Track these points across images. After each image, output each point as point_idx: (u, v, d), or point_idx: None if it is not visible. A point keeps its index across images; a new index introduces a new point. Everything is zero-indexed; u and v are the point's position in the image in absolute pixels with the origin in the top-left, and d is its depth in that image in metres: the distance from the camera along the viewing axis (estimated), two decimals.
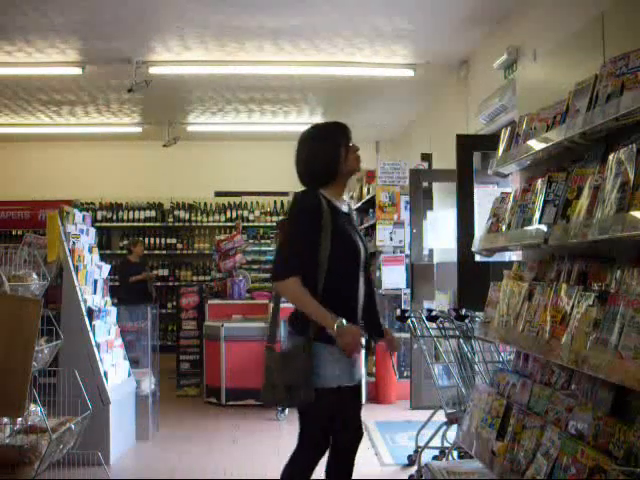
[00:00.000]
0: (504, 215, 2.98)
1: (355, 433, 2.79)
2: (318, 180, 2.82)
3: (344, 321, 2.54)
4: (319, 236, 2.63)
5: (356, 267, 2.69)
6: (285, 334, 2.82)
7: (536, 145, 2.70)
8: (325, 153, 2.82)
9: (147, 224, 10.59)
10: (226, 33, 6.12)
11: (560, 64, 3.54)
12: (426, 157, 7.56)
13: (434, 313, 4.02)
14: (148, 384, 5.26)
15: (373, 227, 7.27)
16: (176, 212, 10.67)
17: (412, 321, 4.19)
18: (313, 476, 2.71)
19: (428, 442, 4.11)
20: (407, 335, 6.18)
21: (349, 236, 2.70)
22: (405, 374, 6.52)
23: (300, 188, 2.94)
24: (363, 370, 6.20)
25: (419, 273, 6.30)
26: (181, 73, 7.23)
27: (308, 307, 2.58)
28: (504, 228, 2.91)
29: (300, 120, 9.61)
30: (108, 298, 5.08)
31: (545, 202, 2.51)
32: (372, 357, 6.66)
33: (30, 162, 10.52)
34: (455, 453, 3.92)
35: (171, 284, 10.36)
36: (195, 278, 10.31)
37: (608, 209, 2.01)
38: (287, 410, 5.86)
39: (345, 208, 2.81)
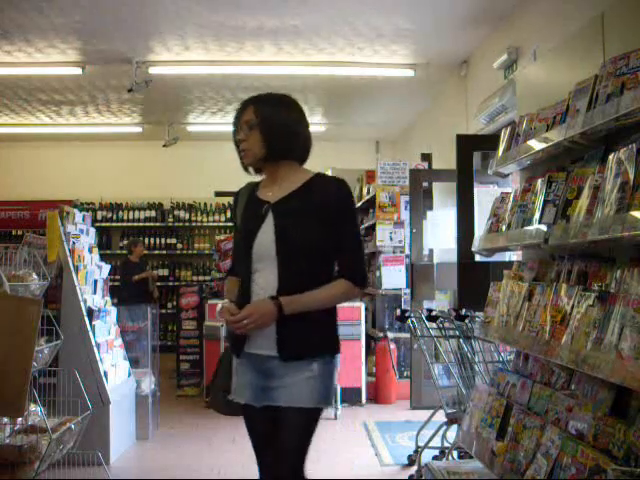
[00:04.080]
0: (504, 215, 2.98)
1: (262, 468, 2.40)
2: (285, 156, 2.40)
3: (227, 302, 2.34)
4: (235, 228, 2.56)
5: (247, 259, 2.32)
6: None
7: (536, 145, 2.70)
8: (306, 126, 2.44)
9: (147, 224, 10.59)
10: (226, 33, 6.13)
11: (560, 64, 3.54)
12: (426, 157, 7.56)
13: (434, 313, 4.01)
14: (148, 384, 5.25)
15: (373, 227, 7.27)
16: (176, 212, 10.68)
17: (412, 321, 4.19)
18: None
19: (428, 442, 4.11)
20: (407, 335, 6.18)
21: (242, 226, 2.41)
22: (405, 374, 6.52)
23: None
24: (363, 370, 6.28)
25: (419, 273, 6.30)
26: (181, 73, 7.23)
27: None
28: (504, 228, 2.91)
29: None
30: (108, 298, 5.08)
31: (545, 202, 2.51)
32: (372, 357, 6.66)
33: (30, 162, 10.52)
34: (455, 453, 3.92)
35: (171, 284, 10.36)
36: (195, 278, 10.32)
37: (608, 209, 2.01)
38: None
39: (275, 195, 2.37)
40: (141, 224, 10.58)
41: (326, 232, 2.28)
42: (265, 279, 2.29)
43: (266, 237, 2.30)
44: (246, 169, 2.49)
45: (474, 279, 4.26)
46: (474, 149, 4.81)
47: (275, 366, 2.27)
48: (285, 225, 2.30)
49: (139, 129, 9.74)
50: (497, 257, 3.60)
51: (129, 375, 5.06)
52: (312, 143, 2.46)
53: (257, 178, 2.55)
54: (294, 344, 2.28)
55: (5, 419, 3.34)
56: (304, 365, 2.26)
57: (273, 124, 2.38)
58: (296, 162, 2.42)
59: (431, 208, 6.90)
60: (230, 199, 10.74)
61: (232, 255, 2.72)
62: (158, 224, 10.63)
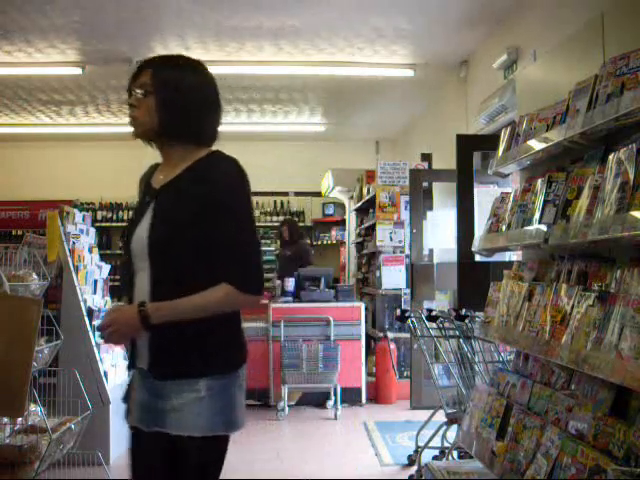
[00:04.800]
0: (504, 215, 2.98)
1: None
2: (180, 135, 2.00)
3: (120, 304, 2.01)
4: None
5: (127, 257, 2.00)
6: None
7: (536, 145, 2.70)
8: (215, 103, 2.05)
9: None
10: (226, 33, 6.12)
11: (560, 64, 3.54)
12: (426, 157, 7.56)
13: (434, 313, 4.01)
14: None
15: (373, 227, 7.27)
16: None
17: (412, 321, 4.19)
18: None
19: (428, 442, 4.11)
20: (407, 335, 6.18)
21: (132, 217, 2.06)
22: (405, 374, 6.52)
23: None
24: (363, 370, 6.28)
25: (419, 273, 6.30)
26: None
27: None
28: (504, 228, 2.91)
29: (300, 120, 9.62)
30: (108, 298, 5.08)
31: (545, 202, 2.51)
32: (372, 357, 6.67)
33: (30, 162, 10.52)
34: (455, 453, 3.92)
35: None
36: None
37: (608, 209, 2.01)
38: (287, 410, 5.86)
39: (164, 180, 2.01)
40: None
41: (208, 226, 1.88)
42: (141, 282, 1.93)
43: (141, 231, 1.93)
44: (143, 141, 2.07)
45: (474, 279, 4.26)
46: (474, 149, 4.81)
47: (158, 385, 1.90)
48: (161, 217, 1.92)
49: None
50: (497, 257, 3.60)
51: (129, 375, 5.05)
52: (219, 124, 2.05)
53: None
54: (167, 360, 1.90)
55: (5, 419, 3.33)
56: (190, 384, 1.87)
57: (172, 96, 1.94)
58: (195, 144, 2.00)
59: (431, 208, 6.90)
60: None
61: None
62: None
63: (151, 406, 1.91)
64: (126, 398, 2.06)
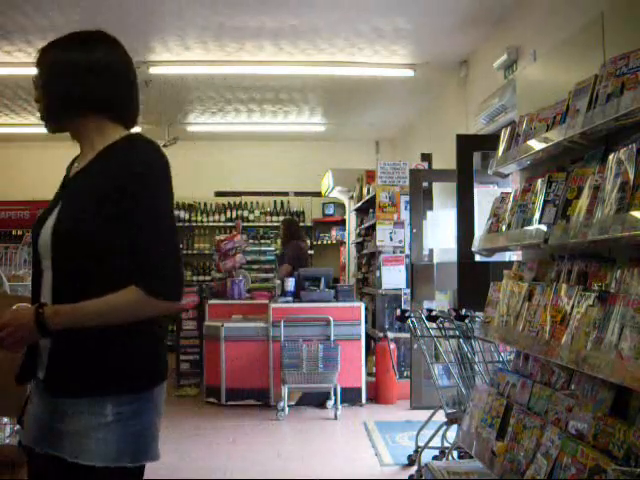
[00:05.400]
0: (504, 215, 2.98)
1: None
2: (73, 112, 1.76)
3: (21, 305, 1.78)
4: None
5: (35, 255, 1.76)
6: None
7: (536, 145, 2.71)
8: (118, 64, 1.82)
9: None
10: (226, 33, 6.13)
11: (560, 64, 3.54)
12: (426, 157, 7.56)
13: (434, 313, 4.01)
14: None
15: (373, 227, 7.27)
16: (176, 212, 10.63)
17: (412, 321, 4.19)
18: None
19: (428, 442, 4.11)
20: (407, 335, 6.18)
21: (42, 213, 1.81)
22: (405, 374, 6.52)
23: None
24: (363, 370, 6.28)
25: (419, 273, 6.30)
26: (181, 73, 7.23)
27: None
28: (504, 228, 2.91)
29: (300, 120, 9.63)
30: None
31: (545, 202, 2.51)
32: (372, 357, 6.67)
33: (30, 162, 10.52)
34: (455, 453, 3.92)
35: None
36: (195, 278, 10.31)
37: (608, 209, 2.01)
38: (287, 410, 5.86)
39: (79, 166, 1.80)
40: None
41: (116, 218, 1.63)
42: (46, 282, 1.70)
43: (48, 226, 1.70)
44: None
45: (474, 279, 4.26)
46: (474, 149, 4.81)
47: (58, 401, 1.64)
48: (65, 210, 1.69)
49: (138, 129, 9.70)
50: (497, 257, 3.60)
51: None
52: (136, 91, 1.83)
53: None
54: (67, 373, 1.64)
55: (5, 419, 3.33)
56: (94, 405, 1.61)
57: (51, 66, 1.72)
58: (103, 118, 1.75)
59: (431, 208, 6.90)
60: (230, 199, 10.78)
61: None
62: None
63: (49, 424, 1.65)
64: (22, 414, 1.80)
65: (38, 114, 1.76)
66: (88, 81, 1.70)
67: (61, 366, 1.65)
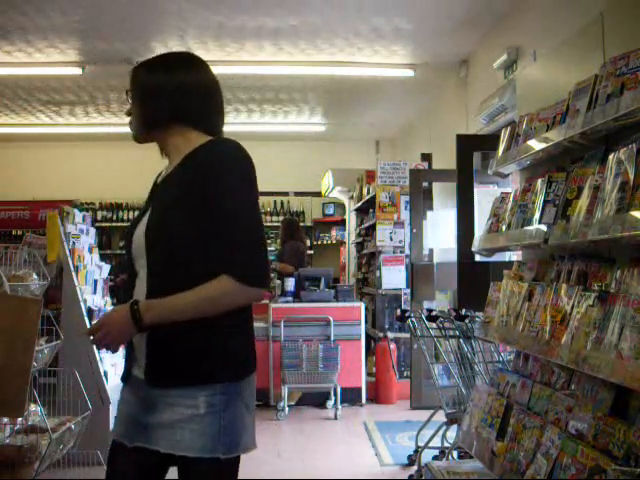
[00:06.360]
0: (504, 215, 2.98)
1: None
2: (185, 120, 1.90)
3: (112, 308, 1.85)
4: None
5: (129, 258, 1.87)
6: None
7: (536, 145, 2.70)
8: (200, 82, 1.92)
9: None
10: (226, 33, 6.13)
11: (560, 64, 3.54)
12: (426, 157, 7.56)
13: (434, 313, 4.01)
14: None
15: (373, 227, 7.27)
16: None
17: (412, 321, 4.19)
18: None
19: (428, 442, 4.11)
20: (407, 335, 6.19)
21: (135, 218, 1.93)
22: (405, 374, 6.52)
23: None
24: (363, 370, 6.28)
25: (419, 273, 6.30)
26: None
27: None
28: (504, 228, 2.91)
29: (300, 120, 9.63)
30: (108, 298, 5.08)
31: (545, 202, 2.51)
32: (372, 357, 6.67)
33: (30, 162, 10.52)
34: (455, 453, 3.92)
35: None
36: None
37: (608, 209, 2.01)
38: (287, 410, 5.86)
39: (167, 172, 1.94)
40: None
41: (204, 212, 1.73)
42: (140, 282, 1.79)
43: (140, 229, 1.80)
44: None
45: (474, 279, 4.26)
46: (474, 149, 4.81)
47: (151, 395, 1.74)
48: (156, 212, 1.80)
49: None
50: (497, 257, 3.60)
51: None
52: (217, 112, 1.95)
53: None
54: (165, 364, 1.73)
55: (5, 419, 3.33)
56: (186, 397, 1.70)
57: (145, 86, 1.89)
58: (189, 127, 1.87)
59: (431, 208, 6.90)
60: None
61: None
62: None
63: (141, 419, 1.74)
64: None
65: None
66: (178, 100, 1.84)
67: (160, 357, 1.73)
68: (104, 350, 1.78)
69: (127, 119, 1.96)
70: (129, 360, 1.85)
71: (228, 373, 1.74)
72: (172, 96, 1.84)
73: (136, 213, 10.41)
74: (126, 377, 1.85)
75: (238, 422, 1.74)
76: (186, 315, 1.69)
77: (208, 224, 1.72)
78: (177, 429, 1.68)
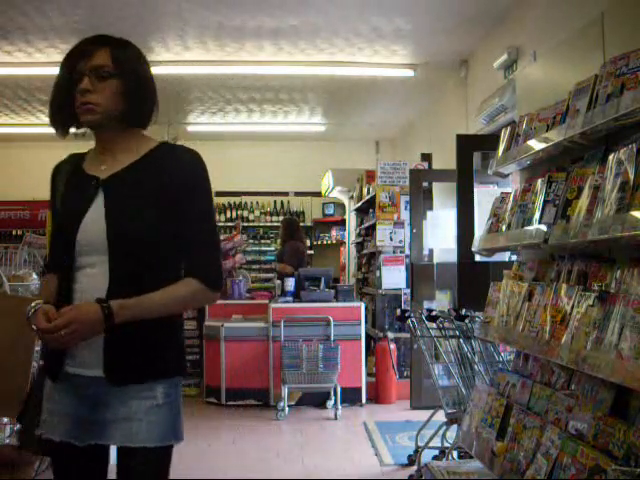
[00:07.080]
0: (504, 215, 2.98)
1: None
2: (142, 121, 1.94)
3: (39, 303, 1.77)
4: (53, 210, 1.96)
5: (69, 252, 1.78)
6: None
7: (536, 145, 2.71)
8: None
9: None
10: (226, 33, 6.13)
11: (560, 64, 3.54)
12: (426, 157, 7.56)
13: (434, 313, 4.02)
14: None
15: (373, 227, 7.27)
16: None
17: (412, 321, 4.19)
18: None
19: (428, 442, 4.11)
20: (407, 335, 6.18)
21: (63, 210, 1.89)
22: (405, 374, 6.52)
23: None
24: (363, 370, 6.28)
25: (419, 273, 6.30)
26: (181, 73, 7.23)
27: None
28: (504, 228, 2.91)
29: (300, 120, 9.63)
30: None
31: (545, 202, 2.51)
32: (372, 357, 6.67)
33: (30, 162, 10.49)
34: (455, 453, 3.92)
35: None
36: None
37: (608, 209, 2.01)
38: (287, 410, 5.86)
39: (109, 169, 1.86)
40: None
41: (172, 218, 1.77)
42: (92, 278, 1.75)
43: (94, 224, 1.76)
44: (63, 131, 2.03)
45: (474, 279, 4.26)
46: (474, 149, 4.81)
47: (104, 392, 1.72)
48: (120, 208, 1.77)
49: None
50: (497, 257, 3.60)
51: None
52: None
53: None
54: (128, 361, 1.75)
55: (5, 419, 3.34)
56: (144, 390, 1.73)
57: (137, 78, 1.86)
58: (142, 128, 1.92)
59: (431, 208, 6.90)
60: (230, 199, 10.78)
61: (50, 247, 2.08)
62: None
63: (87, 417, 1.73)
64: (33, 411, 1.85)
65: (78, 121, 1.97)
66: (153, 101, 1.94)
67: (122, 355, 1.74)
68: (56, 346, 1.70)
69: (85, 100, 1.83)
70: (58, 356, 1.77)
71: (181, 366, 1.85)
72: (155, 94, 1.93)
73: None
74: (56, 374, 1.78)
75: (181, 410, 1.84)
76: (155, 315, 1.75)
77: (177, 228, 1.78)
78: (134, 421, 1.72)
